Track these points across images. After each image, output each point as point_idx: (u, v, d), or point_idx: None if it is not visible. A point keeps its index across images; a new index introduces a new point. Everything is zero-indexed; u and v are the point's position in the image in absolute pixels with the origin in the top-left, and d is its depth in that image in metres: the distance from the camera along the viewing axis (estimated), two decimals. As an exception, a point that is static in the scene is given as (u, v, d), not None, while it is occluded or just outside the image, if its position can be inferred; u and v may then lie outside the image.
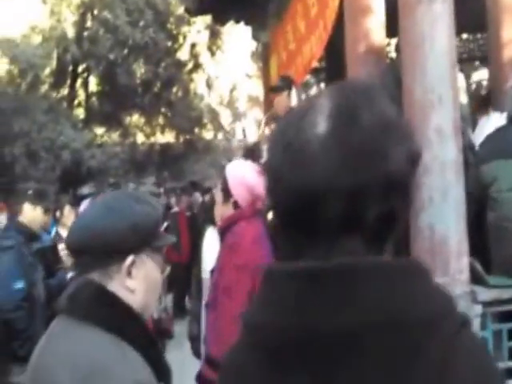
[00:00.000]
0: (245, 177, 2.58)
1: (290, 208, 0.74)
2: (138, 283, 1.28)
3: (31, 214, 3.60)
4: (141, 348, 1.22)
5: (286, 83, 4.58)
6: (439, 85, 2.62)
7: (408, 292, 0.71)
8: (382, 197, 0.73)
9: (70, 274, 3.67)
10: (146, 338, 1.26)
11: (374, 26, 3.86)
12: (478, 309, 2.47)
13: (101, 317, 1.21)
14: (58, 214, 4.74)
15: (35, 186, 3.95)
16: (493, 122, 3.36)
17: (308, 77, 13.16)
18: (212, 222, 3.64)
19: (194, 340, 3.40)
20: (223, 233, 2.64)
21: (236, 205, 2.62)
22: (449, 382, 0.68)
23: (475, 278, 2.51)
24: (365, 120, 0.73)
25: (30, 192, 3.65)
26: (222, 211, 2.72)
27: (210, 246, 3.53)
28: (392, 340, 0.68)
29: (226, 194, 2.64)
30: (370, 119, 0.73)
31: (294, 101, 4.61)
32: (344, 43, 4.02)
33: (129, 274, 1.27)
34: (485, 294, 2.48)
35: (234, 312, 2.34)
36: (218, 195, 2.77)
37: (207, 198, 8.67)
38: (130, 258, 1.26)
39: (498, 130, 2.83)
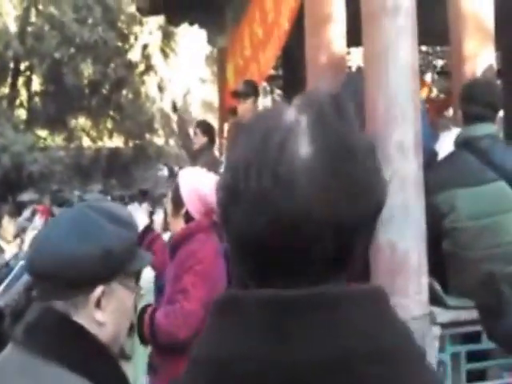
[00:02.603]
0: (198, 185, 2.53)
1: (269, 239, 0.70)
2: (108, 315, 1.18)
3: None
4: None
5: (251, 89, 4.56)
6: (401, 99, 2.66)
7: (374, 322, 0.70)
8: (370, 228, 0.73)
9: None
10: (116, 378, 1.17)
11: (335, 35, 3.91)
12: (437, 330, 2.50)
13: (64, 353, 1.11)
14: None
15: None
16: (452, 136, 3.42)
17: (263, 84, 13.26)
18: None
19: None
20: (177, 246, 2.56)
21: (188, 216, 2.55)
22: None
23: (434, 299, 2.54)
24: (355, 145, 0.71)
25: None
26: (172, 224, 2.67)
27: None
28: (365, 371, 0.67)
29: (177, 204, 2.57)
30: (358, 143, 0.72)
31: (260, 108, 4.60)
32: (302, 51, 4.05)
33: (97, 305, 1.17)
34: (443, 316, 2.52)
35: (188, 314, 2.37)
36: (169, 206, 2.69)
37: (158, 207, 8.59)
38: (99, 289, 1.16)
39: (452, 156, 2.86)
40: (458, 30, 3.89)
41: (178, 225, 2.58)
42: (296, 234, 0.68)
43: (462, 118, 2.97)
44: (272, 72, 8.48)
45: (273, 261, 0.71)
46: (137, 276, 1.28)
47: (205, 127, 5.73)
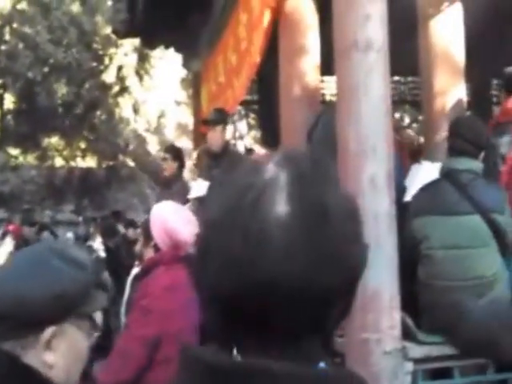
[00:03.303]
0: (166, 220, 2.57)
1: (238, 300, 0.68)
2: (59, 356, 1.17)
3: None
4: None
5: (221, 117, 4.59)
6: (373, 134, 2.68)
7: None
8: (345, 293, 0.72)
9: None
10: None
11: (309, 66, 3.97)
12: (409, 366, 2.50)
13: None
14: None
15: None
16: (424, 169, 3.47)
17: (239, 107, 13.33)
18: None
19: None
20: (142, 276, 2.62)
21: (157, 248, 2.61)
22: None
23: (406, 334, 2.55)
24: (333, 209, 0.70)
25: None
26: (143, 254, 2.73)
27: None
28: None
29: (147, 236, 2.64)
30: (337, 210, 0.70)
31: (228, 135, 4.62)
32: (278, 78, 4.09)
33: (48, 346, 1.16)
34: (416, 351, 2.53)
35: (125, 354, 2.39)
36: (140, 237, 2.80)
37: (130, 230, 8.50)
38: (49, 330, 1.15)
39: (431, 185, 2.92)
40: (429, 65, 3.98)
41: (148, 255, 2.65)
42: (265, 296, 0.67)
43: (447, 150, 3.07)
44: (248, 97, 8.55)
45: (243, 320, 0.69)
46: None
47: (175, 153, 5.66)
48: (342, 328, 2.59)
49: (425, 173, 3.34)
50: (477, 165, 2.87)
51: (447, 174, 2.87)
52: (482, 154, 2.92)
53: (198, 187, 4.21)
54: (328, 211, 0.69)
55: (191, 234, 2.43)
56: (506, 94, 4.03)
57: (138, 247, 2.78)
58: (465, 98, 4.00)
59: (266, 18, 4.29)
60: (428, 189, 2.91)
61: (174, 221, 2.55)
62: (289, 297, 0.67)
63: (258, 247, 0.67)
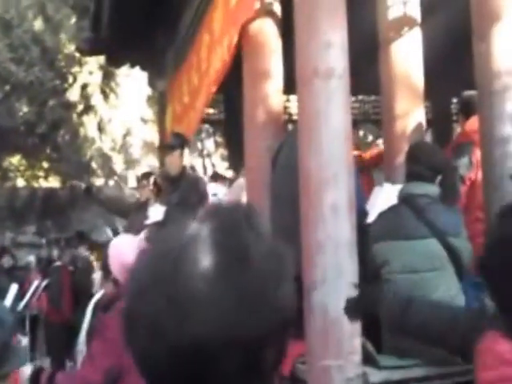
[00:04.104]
0: (124, 255, 2.60)
1: (167, 365, 0.68)
2: None
3: None
4: None
5: (179, 141, 4.64)
6: (334, 162, 2.75)
7: None
8: (276, 338, 0.72)
9: None
10: None
11: (272, 89, 4.03)
12: (371, 391, 2.55)
13: None
14: None
15: None
16: (385, 191, 3.56)
17: (207, 126, 13.38)
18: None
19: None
20: (104, 310, 2.70)
21: (116, 281, 2.65)
22: None
23: (367, 359, 2.60)
24: (255, 257, 0.70)
25: None
26: (103, 287, 2.79)
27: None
28: None
29: (106, 270, 2.70)
30: (258, 254, 0.70)
31: (186, 160, 4.66)
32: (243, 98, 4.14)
33: None
34: (376, 376, 2.58)
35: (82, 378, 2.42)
36: (100, 270, 2.89)
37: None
38: None
39: (390, 210, 3.01)
40: (389, 88, 4.09)
41: (108, 288, 2.70)
42: (196, 357, 0.66)
43: (405, 175, 3.16)
44: (215, 115, 8.62)
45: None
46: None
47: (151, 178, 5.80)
48: (304, 355, 2.64)
49: (386, 195, 3.44)
50: (433, 189, 2.98)
51: (405, 199, 2.97)
52: (439, 178, 3.02)
53: (156, 212, 4.25)
54: (249, 257, 0.69)
55: None
56: (464, 118, 4.18)
57: (96, 277, 2.82)
58: (424, 121, 4.11)
59: (227, 40, 4.36)
60: (387, 214, 3.00)
61: (131, 257, 2.57)
62: (221, 350, 0.66)
63: (183, 311, 0.66)
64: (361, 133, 10.13)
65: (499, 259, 1.22)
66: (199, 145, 17.47)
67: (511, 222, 1.25)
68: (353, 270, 2.63)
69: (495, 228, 1.27)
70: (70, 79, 15.32)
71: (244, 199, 4.19)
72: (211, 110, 8.60)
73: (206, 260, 0.68)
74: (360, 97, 7.88)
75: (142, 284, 0.70)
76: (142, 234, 4.35)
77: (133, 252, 2.61)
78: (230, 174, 7.89)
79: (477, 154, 3.61)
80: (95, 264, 7.01)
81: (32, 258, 10.78)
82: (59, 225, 14.76)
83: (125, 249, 2.64)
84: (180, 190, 4.34)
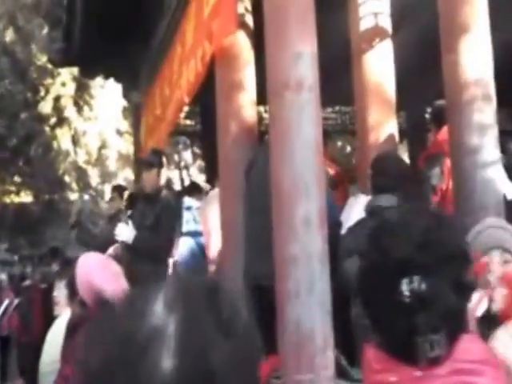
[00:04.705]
0: (92, 276, 2.54)
1: None
2: None
3: None
4: None
5: (157, 159, 4.63)
6: (306, 173, 2.79)
7: None
8: None
9: None
10: None
11: (246, 102, 4.07)
12: (344, 405, 2.58)
13: None
14: None
15: None
16: (360, 202, 3.60)
17: (184, 138, 13.36)
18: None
19: None
20: (71, 331, 2.61)
21: (82, 302, 2.58)
22: None
23: (340, 372, 2.63)
24: (219, 371, 0.64)
25: None
26: (69, 307, 2.72)
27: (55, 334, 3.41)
28: None
29: (72, 290, 2.63)
30: (223, 366, 0.64)
31: (163, 178, 4.66)
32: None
33: None
34: (349, 390, 2.61)
35: None
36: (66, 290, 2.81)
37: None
38: None
39: (360, 223, 3.03)
40: (362, 98, 4.16)
41: (75, 308, 2.64)
42: None
43: (371, 188, 3.17)
44: (192, 126, 8.64)
45: None
46: None
47: (122, 191, 5.79)
48: (277, 370, 2.65)
49: (360, 207, 3.47)
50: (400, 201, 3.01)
51: (372, 212, 2.99)
52: (404, 187, 3.05)
53: (124, 231, 4.25)
54: (215, 372, 0.64)
55: (117, 290, 2.44)
56: (436, 127, 4.25)
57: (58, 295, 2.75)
58: (397, 131, 4.18)
59: (201, 51, 4.39)
60: (355, 228, 3.01)
61: (99, 277, 2.51)
62: None
63: None
64: (338, 144, 10.23)
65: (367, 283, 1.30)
66: (176, 157, 17.43)
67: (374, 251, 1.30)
68: (325, 283, 2.65)
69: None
70: (42, 91, 15.22)
71: (217, 211, 4.20)
72: (188, 122, 8.63)
73: (171, 359, 0.63)
74: (337, 107, 7.95)
75: (99, 369, 0.64)
76: (111, 250, 4.35)
77: (100, 271, 2.58)
78: (207, 185, 7.91)
79: (448, 164, 3.67)
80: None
81: (4, 276, 10.64)
82: (32, 241, 14.61)
83: (94, 270, 2.58)
84: (154, 212, 4.34)
